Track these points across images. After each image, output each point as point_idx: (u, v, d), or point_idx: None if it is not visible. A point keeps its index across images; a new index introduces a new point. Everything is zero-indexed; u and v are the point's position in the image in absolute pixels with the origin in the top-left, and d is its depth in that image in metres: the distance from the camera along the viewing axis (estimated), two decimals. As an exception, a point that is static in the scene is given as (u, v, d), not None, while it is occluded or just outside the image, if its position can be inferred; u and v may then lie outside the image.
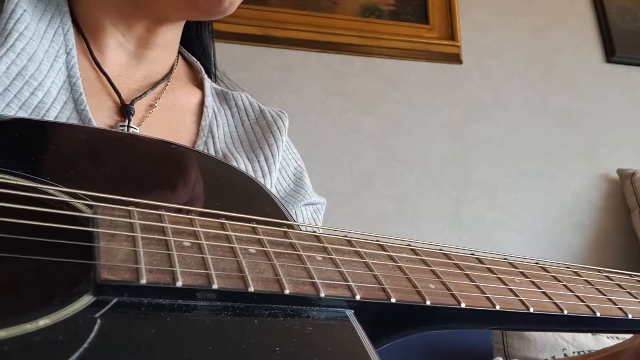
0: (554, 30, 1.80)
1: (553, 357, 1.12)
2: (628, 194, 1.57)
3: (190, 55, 0.65)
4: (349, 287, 0.30)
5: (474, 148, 1.61)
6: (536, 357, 1.13)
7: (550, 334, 1.14)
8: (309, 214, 0.63)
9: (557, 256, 1.54)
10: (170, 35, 0.58)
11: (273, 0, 1.65)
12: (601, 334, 1.15)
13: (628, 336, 0.51)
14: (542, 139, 1.66)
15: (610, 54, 1.79)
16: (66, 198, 0.31)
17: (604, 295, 0.41)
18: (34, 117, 0.45)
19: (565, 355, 1.12)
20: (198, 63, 0.64)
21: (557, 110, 1.70)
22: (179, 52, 0.63)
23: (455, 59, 1.70)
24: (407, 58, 1.67)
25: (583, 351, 1.12)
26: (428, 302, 0.32)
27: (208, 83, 0.62)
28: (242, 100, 0.63)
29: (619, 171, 1.62)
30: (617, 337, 1.13)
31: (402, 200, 1.52)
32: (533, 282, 0.39)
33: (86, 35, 0.54)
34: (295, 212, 0.61)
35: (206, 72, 0.64)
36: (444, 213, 1.53)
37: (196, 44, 0.65)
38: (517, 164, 1.62)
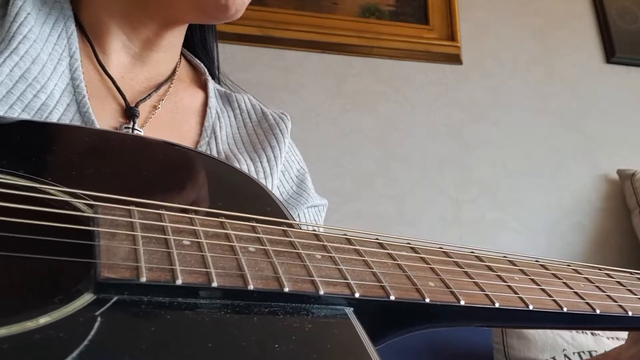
0: (554, 31, 1.80)
1: (553, 358, 1.12)
2: (628, 195, 1.57)
3: (193, 57, 0.65)
4: (348, 285, 0.31)
5: (474, 148, 1.61)
6: (536, 358, 1.13)
7: (550, 333, 1.14)
8: (312, 216, 0.63)
9: (557, 256, 1.53)
10: (175, 38, 0.58)
11: (273, 1, 1.65)
12: (601, 335, 1.14)
13: (626, 334, 0.51)
14: (542, 140, 1.66)
15: (610, 55, 1.79)
16: (67, 198, 0.31)
17: (604, 292, 0.40)
18: (36, 119, 0.46)
19: (565, 356, 1.12)
20: (202, 65, 0.64)
21: (557, 110, 1.70)
22: (182, 54, 0.63)
23: (455, 59, 1.70)
24: (407, 59, 1.67)
25: (583, 352, 1.12)
26: (427, 300, 0.32)
27: (211, 84, 0.62)
28: (244, 102, 0.63)
29: (619, 172, 1.62)
30: (617, 338, 1.13)
31: (402, 200, 1.52)
32: (532, 280, 0.39)
33: (90, 37, 0.54)
34: (299, 214, 0.61)
35: (209, 74, 0.64)
36: (444, 213, 1.53)
37: (199, 47, 0.65)
38: (517, 164, 1.61)
